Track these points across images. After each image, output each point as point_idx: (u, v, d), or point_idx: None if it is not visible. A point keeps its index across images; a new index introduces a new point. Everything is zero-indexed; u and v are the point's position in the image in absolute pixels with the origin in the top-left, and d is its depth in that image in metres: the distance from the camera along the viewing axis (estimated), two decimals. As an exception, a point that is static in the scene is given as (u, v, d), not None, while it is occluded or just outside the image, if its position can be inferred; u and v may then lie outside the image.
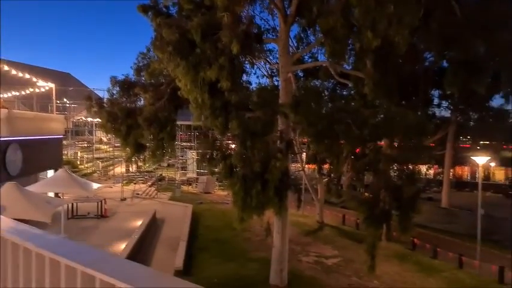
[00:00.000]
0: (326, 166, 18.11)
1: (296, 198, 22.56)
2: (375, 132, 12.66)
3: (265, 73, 27.84)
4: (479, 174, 21.33)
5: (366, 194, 12.51)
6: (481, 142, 35.89)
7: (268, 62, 22.31)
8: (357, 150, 13.47)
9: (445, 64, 21.19)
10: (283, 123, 13.88)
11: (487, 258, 17.18)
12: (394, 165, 12.93)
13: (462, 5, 11.88)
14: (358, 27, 9.29)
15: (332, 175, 15.21)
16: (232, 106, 11.07)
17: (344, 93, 25.38)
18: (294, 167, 30.91)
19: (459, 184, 46.16)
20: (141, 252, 16.29)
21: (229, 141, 15.52)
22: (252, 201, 11.01)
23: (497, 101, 28.84)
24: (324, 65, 17.36)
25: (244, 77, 23.36)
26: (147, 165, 37.14)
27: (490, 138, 34.16)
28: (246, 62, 18.62)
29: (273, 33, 21.26)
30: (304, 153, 24.93)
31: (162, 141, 13.09)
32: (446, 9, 11.32)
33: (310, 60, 25.30)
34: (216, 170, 12.19)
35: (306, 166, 26.97)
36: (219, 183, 34.08)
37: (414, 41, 19.74)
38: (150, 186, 34.22)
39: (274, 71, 24.95)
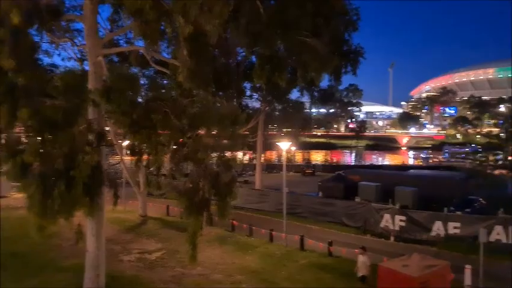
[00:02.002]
0: (146, 157, 17.28)
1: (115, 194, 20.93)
2: (193, 122, 12.66)
3: (74, 56, 24.60)
4: (284, 157, 24.54)
5: (187, 183, 12.44)
6: (284, 129, 41.63)
7: (75, 43, 19.64)
8: (180, 140, 13.25)
9: (254, 59, 23.30)
10: (95, 112, 12.38)
11: (291, 230, 19.93)
12: (212, 154, 13.26)
13: (265, 4, 13.06)
14: (169, 11, 8.93)
15: (151, 167, 14.56)
16: (21, 91, 9.02)
17: (165, 82, 24.85)
18: (115, 160, 28.68)
19: (269, 167, 52.54)
20: None
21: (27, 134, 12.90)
22: (55, 204, 9.35)
23: (295, 94, 33.81)
24: (140, 50, 16.39)
25: (48, 60, 19.95)
26: None
27: (290, 126, 39.94)
28: (46, 41, 15.80)
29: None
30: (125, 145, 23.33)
31: None
32: (252, 7, 12.19)
33: (126, 45, 23.64)
34: (3, 169, 9.82)
35: (128, 158, 25.36)
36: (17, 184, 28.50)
37: (228, 36, 20.88)
38: None
39: (85, 54, 22.21)
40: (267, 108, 33.84)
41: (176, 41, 11.43)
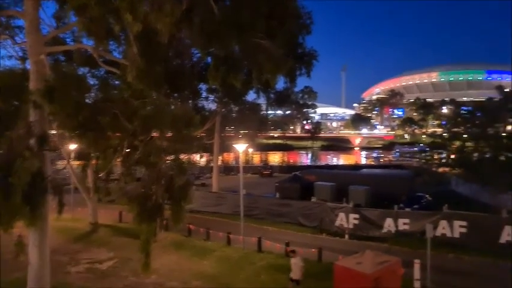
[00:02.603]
0: (95, 162, 16.43)
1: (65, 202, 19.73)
2: (145, 124, 12.20)
3: (15, 54, 22.91)
4: (241, 159, 24.45)
5: (138, 188, 11.94)
6: (241, 131, 41.61)
7: (16, 41, 18.24)
8: (132, 143, 12.74)
9: (209, 60, 22.97)
10: (37, 114, 11.55)
11: (249, 232, 19.83)
12: (166, 157, 12.87)
13: (219, 4, 12.87)
14: (116, 8, 8.46)
15: (100, 172, 13.86)
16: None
17: (117, 82, 23.87)
18: (63, 164, 27.06)
19: (227, 169, 52.31)
20: None
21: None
22: (-10, 215, 8.56)
23: (251, 96, 33.87)
24: (88, 49, 15.55)
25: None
26: None
27: (247, 128, 39.98)
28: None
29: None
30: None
31: None
32: (206, 7, 11.96)
33: (73, 43, 22.39)
34: None
35: (77, 163, 24.03)
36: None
37: (182, 36, 20.40)
38: None
39: (27, 52, 20.73)
40: (223, 109, 33.60)
41: (126, 40, 10.94)
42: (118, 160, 13.53)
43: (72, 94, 10.75)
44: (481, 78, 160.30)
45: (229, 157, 68.85)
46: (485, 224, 18.11)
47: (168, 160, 12.87)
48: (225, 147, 41.28)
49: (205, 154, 42.38)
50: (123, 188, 13.54)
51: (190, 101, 27.21)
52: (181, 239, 20.39)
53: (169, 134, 13.37)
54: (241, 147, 21.26)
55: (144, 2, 7.98)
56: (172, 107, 16.09)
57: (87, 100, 13.25)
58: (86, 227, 23.43)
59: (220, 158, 44.51)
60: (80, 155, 17.29)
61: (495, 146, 23.23)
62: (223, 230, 20.73)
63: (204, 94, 32.15)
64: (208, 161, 48.63)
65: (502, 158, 22.87)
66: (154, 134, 13.57)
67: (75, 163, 23.76)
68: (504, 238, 17.32)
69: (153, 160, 11.87)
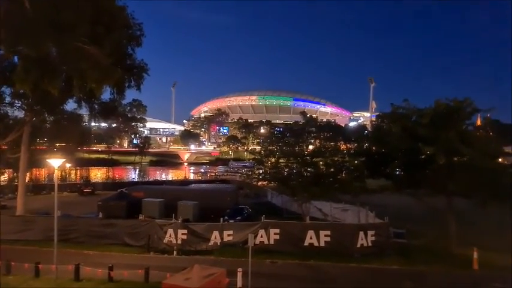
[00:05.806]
0: None
1: None
2: None
3: None
4: (56, 175, 21.37)
5: None
6: (58, 144, 36.58)
7: None
8: None
9: (16, 60, 19.45)
10: None
11: (65, 259, 17.36)
12: None
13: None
14: None
15: None
16: None
17: None
18: None
19: (37, 187, 44.92)
20: None
21: None
22: None
23: (71, 105, 30.17)
24: None
25: None
26: None
27: (65, 141, 35.42)
28: None
29: None
30: None
31: None
32: (15, -3, 10.18)
33: None
34: None
35: None
36: None
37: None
38: None
39: None
40: (34, 119, 28.84)
41: None
42: None
43: None
44: (289, 104, 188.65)
45: (41, 174, 59.57)
46: (294, 230, 21.05)
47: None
48: (36, 162, 35.50)
49: (7, 170, 35.28)
50: None
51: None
52: (-33, 279, 16.19)
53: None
54: (56, 162, 18.62)
55: None
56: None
57: None
58: None
59: (28, 174, 37.90)
60: None
61: (301, 163, 27.42)
62: (31, 260, 17.53)
63: (8, 99, 27.06)
64: (11, 179, 40.80)
65: (306, 173, 27.17)
66: None
67: None
68: (307, 241, 20.49)
69: None
